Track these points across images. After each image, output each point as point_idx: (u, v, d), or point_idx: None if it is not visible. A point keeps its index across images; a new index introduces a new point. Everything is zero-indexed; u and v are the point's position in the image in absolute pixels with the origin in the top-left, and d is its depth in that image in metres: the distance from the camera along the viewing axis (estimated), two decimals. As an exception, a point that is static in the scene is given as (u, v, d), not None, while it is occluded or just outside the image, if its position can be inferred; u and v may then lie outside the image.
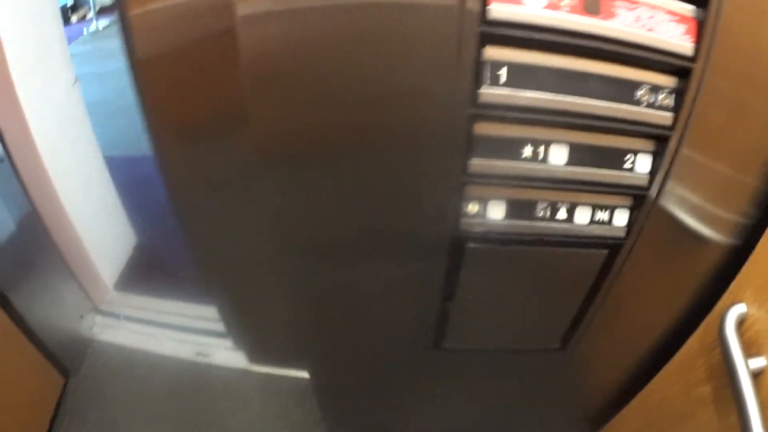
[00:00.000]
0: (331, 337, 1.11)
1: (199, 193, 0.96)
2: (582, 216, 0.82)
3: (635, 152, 0.78)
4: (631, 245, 0.85)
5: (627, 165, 0.78)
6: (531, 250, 0.86)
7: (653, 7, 0.69)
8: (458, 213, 0.82)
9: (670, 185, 0.79)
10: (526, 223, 0.83)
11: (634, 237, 0.84)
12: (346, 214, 0.86)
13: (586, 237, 0.83)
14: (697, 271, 0.93)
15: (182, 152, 0.88)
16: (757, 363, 0.78)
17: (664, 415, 1.06)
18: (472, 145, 0.77)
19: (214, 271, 1.22)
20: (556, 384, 1.17)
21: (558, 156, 0.77)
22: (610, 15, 0.69)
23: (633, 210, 0.83)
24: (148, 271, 2.14)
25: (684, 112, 0.72)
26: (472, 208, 0.82)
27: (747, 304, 0.82)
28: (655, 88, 0.72)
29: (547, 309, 0.96)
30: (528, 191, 0.80)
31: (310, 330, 1.10)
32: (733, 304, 0.83)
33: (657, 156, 0.77)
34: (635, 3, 0.69)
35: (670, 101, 0.73)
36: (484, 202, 0.82)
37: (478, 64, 0.71)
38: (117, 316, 1.80)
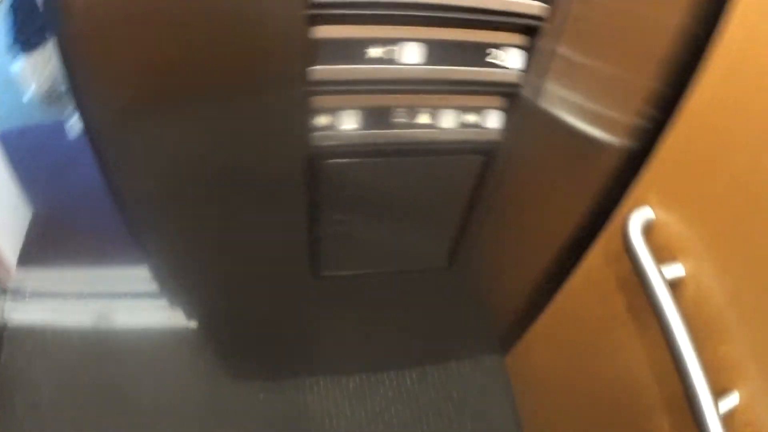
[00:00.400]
0: (216, 279, 1.04)
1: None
2: (448, 120, 0.75)
3: (502, 46, 0.70)
4: (510, 149, 0.79)
5: (493, 60, 0.71)
6: (396, 161, 0.79)
7: None
8: (306, 127, 0.74)
9: (550, 84, 0.72)
10: (383, 131, 0.75)
11: (511, 140, 0.78)
12: (206, 148, 0.77)
13: (455, 142, 0.77)
14: (594, 176, 0.88)
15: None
16: (673, 270, 0.74)
17: (578, 332, 1.03)
18: (311, 51, 0.68)
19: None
20: (455, 305, 1.14)
21: (411, 55, 0.69)
22: None
23: (508, 111, 0.76)
24: (48, 241, 2.02)
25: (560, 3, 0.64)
26: (322, 120, 0.74)
27: (653, 208, 0.78)
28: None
29: (426, 225, 0.91)
30: (381, 97, 0.73)
31: (197, 273, 1.02)
32: (636, 208, 0.79)
33: (530, 52, 0.69)
34: None
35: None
36: (333, 112, 0.74)
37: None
38: (24, 295, 1.68)
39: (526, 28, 0.67)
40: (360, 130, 0.74)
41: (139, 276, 1.66)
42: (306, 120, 0.72)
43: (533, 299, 1.13)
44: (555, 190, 0.89)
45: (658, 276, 0.71)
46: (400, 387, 1.36)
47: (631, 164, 0.84)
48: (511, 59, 0.70)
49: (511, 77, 0.71)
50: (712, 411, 0.63)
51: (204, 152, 0.77)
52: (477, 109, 0.75)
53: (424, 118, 0.74)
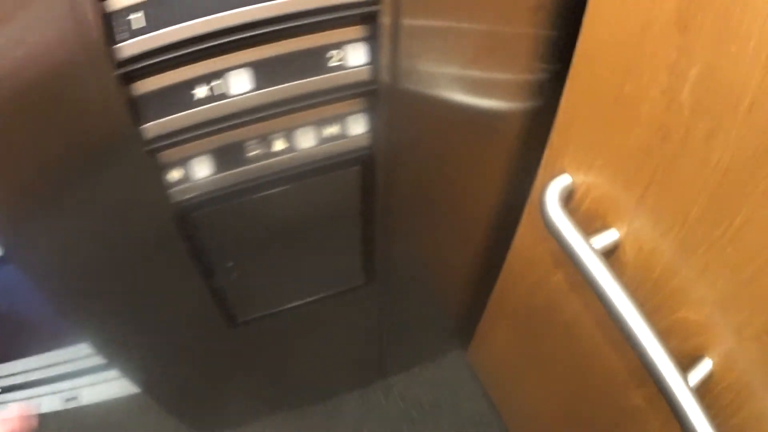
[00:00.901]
0: (142, 344, 0.99)
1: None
2: (306, 139, 0.71)
3: (342, 45, 0.66)
4: (388, 150, 0.75)
5: (333, 64, 0.66)
6: (266, 195, 0.75)
7: None
8: (162, 186, 0.70)
9: (410, 67, 0.68)
10: (240, 170, 0.71)
11: (385, 140, 0.74)
12: (86, 228, 0.74)
13: (322, 160, 0.73)
14: (498, 151, 0.85)
15: None
16: (606, 238, 0.68)
17: (528, 312, 0.99)
18: (138, 109, 0.64)
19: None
20: (396, 315, 1.10)
21: (240, 84, 0.65)
22: None
23: (370, 112, 0.72)
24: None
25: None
26: (175, 174, 0.70)
27: (570, 173, 0.73)
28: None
29: (327, 247, 0.87)
30: (225, 135, 0.68)
31: (124, 342, 0.98)
32: (552, 178, 0.73)
33: (374, 40, 0.65)
34: None
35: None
36: (184, 164, 0.69)
37: (105, 17, 0.57)
38: None
39: (362, 17, 0.63)
40: (216, 174, 0.69)
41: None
42: (158, 178, 0.68)
43: (477, 288, 1.09)
44: (460, 176, 0.86)
45: (588, 249, 0.65)
46: (367, 405, 1.32)
47: (536, 129, 0.80)
48: (354, 56, 0.66)
49: (360, 75, 0.67)
50: (681, 386, 0.56)
51: (87, 232, 0.74)
52: (335, 120, 0.70)
53: (279, 145, 0.69)
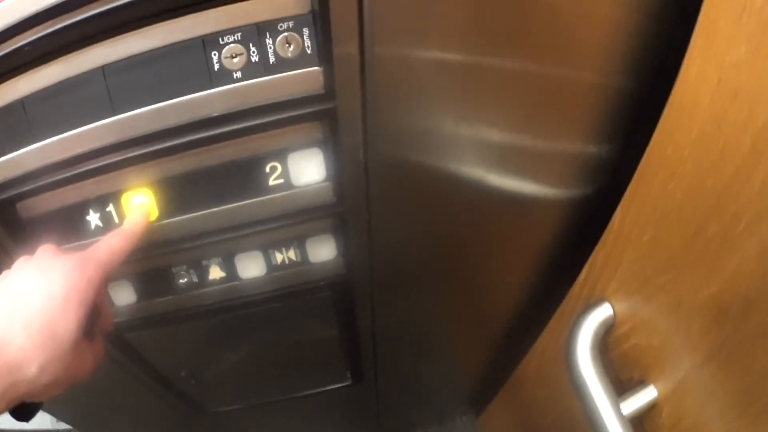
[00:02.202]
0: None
1: None
2: (252, 267, 0.52)
3: (283, 155, 0.45)
4: (368, 272, 0.55)
5: (276, 182, 0.46)
6: (209, 323, 0.58)
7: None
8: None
9: (390, 166, 0.48)
10: (171, 298, 0.53)
11: (363, 263, 0.54)
12: None
13: (277, 289, 0.54)
14: (525, 262, 0.65)
15: None
16: (642, 397, 0.51)
17: (542, 415, 0.81)
18: (25, 235, 0.48)
19: None
20: (401, 390, 0.91)
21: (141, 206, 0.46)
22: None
23: (336, 233, 0.52)
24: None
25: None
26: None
27: (612, 304, 0.54)
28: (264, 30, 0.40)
29: (301, 354, 0.69)
30: (142, 262, 0.51)
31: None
32: (588, 305, 0.54)
33: (329, 144, 0.46)
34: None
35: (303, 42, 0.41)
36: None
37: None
38: None
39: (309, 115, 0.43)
40: (140, 302, 0.52)
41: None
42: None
43: (491, 371, 0.88)
44: (468, 284, 0.64)
45: (615, 418, 0.49)
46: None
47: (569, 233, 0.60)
48: (304, 168, 0.44)
49: (316, 195, 0.45)
50: None
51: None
52: (290, 243, 0.50)
53: (215, 272, 0.50)
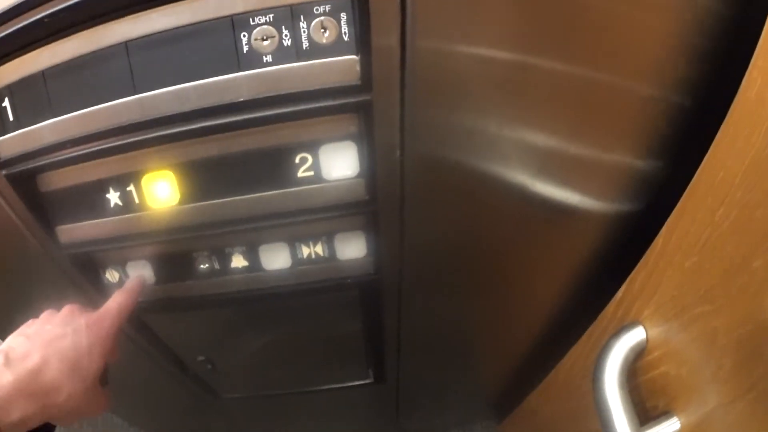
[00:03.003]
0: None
1: None
2: (275, 258, 0.49)
3: (312, 147, 0.43)
4: (398, 272, 0.52)
5: (303, 171, 0.43)
6: (230, 310, 0.56)
7: None
8: (100, 285, 0.53)
9: (425, 165, 0.44)
10: (190, 283, 0.52)
11: (392, 263, 0.51)
12: None
13: (302, 284, 0.51)
14: (561, 268, 0.61)
15: None
16: (664, 428, 0.48)
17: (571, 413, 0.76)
18: (44, 209, 0.47)
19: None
20: (423, 389, 0.89)
21: (161, 191, 0.45)
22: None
23: (367, 231, 0.49)
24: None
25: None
26: (109, 276, 0.53)
27: (646, 328, 0.51)
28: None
29: (321, 348, 0.67)
30: (162, 245, 0.49)
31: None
32: (622, 326, 0.51)
33: (365, 138, 0.42)
34: None
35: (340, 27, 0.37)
36: (118, 267, 0.52)
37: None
38: None
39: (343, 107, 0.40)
40: (159, 284, 0.51)
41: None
42: (94, 279, 0.52)
43: (516, 379, 0.84)
44: (502, 288, 0.60)
45: None
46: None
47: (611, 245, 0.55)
48: (336, 162, 0.41)
49: (347, 191, 0.43)
50: None
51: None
52: (318, 238, 0.47)
53: (237, 261, 0.48)
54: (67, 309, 0.47)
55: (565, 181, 0.47)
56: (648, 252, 0.49)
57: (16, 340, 0.44)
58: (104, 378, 0.48)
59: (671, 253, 0.46)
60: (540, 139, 0.44)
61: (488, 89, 0.39)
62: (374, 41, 0.35)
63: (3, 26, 0.38)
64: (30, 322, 0.47)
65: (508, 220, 0.50)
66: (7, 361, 0.41)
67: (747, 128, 0.36)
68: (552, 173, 0.47)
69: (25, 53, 0.40)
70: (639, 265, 0.50)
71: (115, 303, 0.48)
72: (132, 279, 0.52)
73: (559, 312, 0.65)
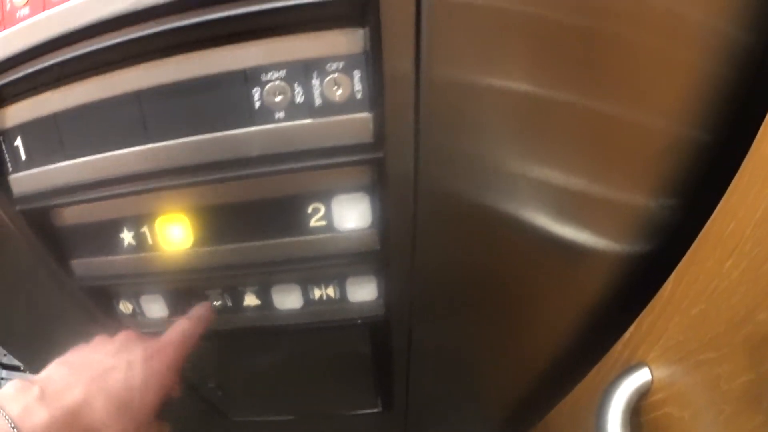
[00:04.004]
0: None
1: None
2: (289, 299, 0.49)
3: (325, 197, 0.42)
4: (407, 312, 0.52)
5: (316, 221, 0.43)
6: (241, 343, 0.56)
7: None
8: (113, 315, 0.54)
9: (438, 212, 0.43)
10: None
11: (401, 304, 0.50)
12: None
13: (313, 323, 0.51)
14: (572, 305, 0.59)
15: None
16: None
17: None
18: (58, 243, 0.47)
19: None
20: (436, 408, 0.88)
21: (175, 233, 0.45)
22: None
23: (379, 276, 0.49)
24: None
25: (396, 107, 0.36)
26: (124, 307, 0.53)
27: (652, 370, 0.51)
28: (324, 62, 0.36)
29: (329, 375, 0.67)
30: (177, 282, 0.49)
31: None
32: (628, 367, 0.51)
33: (374, 192, 0.42)
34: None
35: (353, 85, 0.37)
36: (131, 299, 0.52)
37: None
38: (18, 369, 1.61)
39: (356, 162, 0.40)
40: (171, 316, 0.51)
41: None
42: (108, 307, 0.53)
43: (528, 404, 0.84)
44: (512, 322, 0.59)
45: None
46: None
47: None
48: (348, 213, 0.41)
49: (360, 241, 0.42)
50: None
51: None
52: (329, 281, 0.47)
53: (250, 300, 0.48)
54: (122, 336, 0.43)
55: (580, 220, 0.46)
56: (657, 296, 0.49)
57: (57, 370, 0.38)
58: (162, 413, 0.43)
59: (679, 299, 0.46)
60: (556, 177, 0.42)
61: (505, 140, 0.38)
62: (388, 99, 0.34)
63: (14, 69, 0.38)
64: (78, 348, 0.42)
65: (518, 258, 0.49)
66: (43, 396, 0.35)
67: (759, 181, 0.35)
68: (567, 212, 0.46)
69: (37, 95, 0.40)
70: (647, 308, 0.50)
71: (179, 332, 0.44)
72: (199, 306, 0.48)
73: (567, 347, 0.64)
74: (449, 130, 0.36)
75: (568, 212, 0.45)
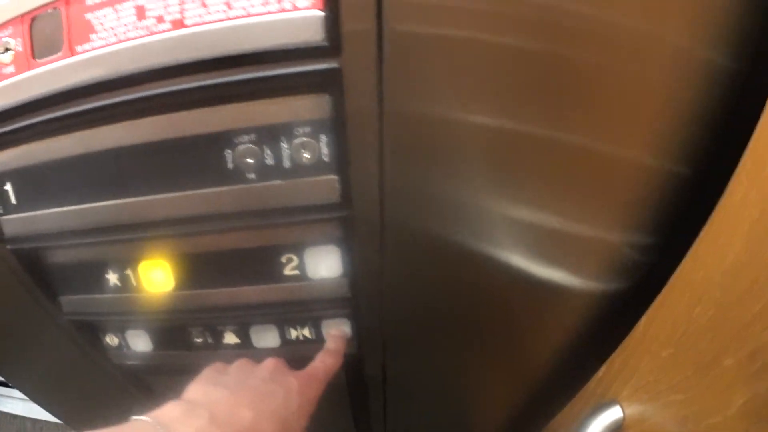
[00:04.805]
0: None
1: None
2: (265, 338, 0.51)
3: (298, 249, 0.45)
4: (380, 343, 0.53)
5: (292, 272, 0.45)
6: None
7: None
8: (99, 347, 0.56)
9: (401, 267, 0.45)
10: (186, 353, 0.54)
11: (375, 341, 0.52)
12: None
13: (292, 360, 0.53)
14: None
15: None
16: None
17: None
18: (48, 279, 0.49)
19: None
20: None
21: (157, 277, 0.47)
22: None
23: (353, 315, 0.50)
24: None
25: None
26: (110, 341, 0.55)
27: (623, 407, 0.52)
28: (289, 128, 0.38)
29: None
30: (161, 320, 0.51)
31: None
32: (600, 404, 0.52)
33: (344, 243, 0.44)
34: None
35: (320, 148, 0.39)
36: (117, 333, 0.55)
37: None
38: (6, 384, 1.62)
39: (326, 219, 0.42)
40: (156, 350, 0.53)
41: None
42: (94, 341, 0.55)
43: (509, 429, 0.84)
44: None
45: None
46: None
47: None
48: (320, 263, 0.43)
49: (332, 288, 0.44)
50: None
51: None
52: (307, 323, 0.49)
53: (230, 338, 0.50)
54: (272, 363, 0.44)
55: (553, 258, 0.47)
56: (629, 336, 0.50)
57: (216, 392, 0.39)
58: None
59: (649, 341, 0.47)
60: (526, 214, 0.43)
61: (472, 178, 0.39)
62: (353, 162, 0.36)
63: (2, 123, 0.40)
64: (217, 369, 0.43)
65: (489, 296, 0.50)
66: (213, 419, 0.35)
67: (728, 231, 0.36)
68: (539, 250, 0.47)
69: (23, 144, 0.42)
70: (620, 347, 0.51)
71: (323, 365, 0.45)
72: (336, 339, 0.49)
73: (541, 382, 0.65)
74: (415, 180, 0.37)
75: (540, 250, 0.46)
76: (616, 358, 0.52)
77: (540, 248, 0.45)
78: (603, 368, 0.53)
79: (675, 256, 0.41)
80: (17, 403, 1.52)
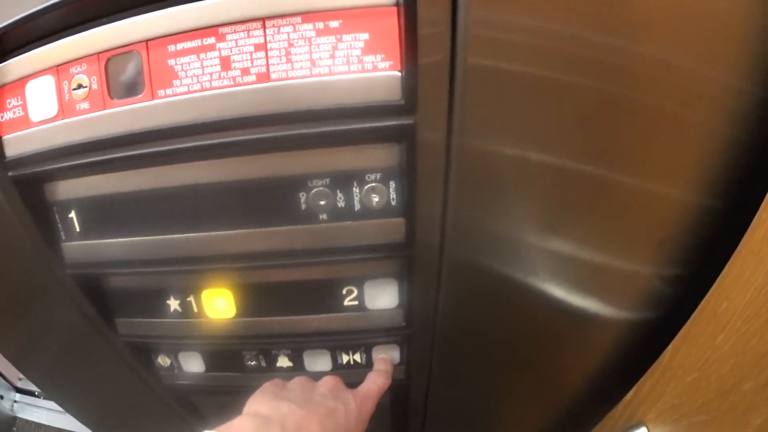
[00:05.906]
0: None
1: None
2: (320, 362, 0.54)
3: (358, 281, 0.48)
4: (427, 372, 0.56)
5: (349, 301, 0.47)
6: None
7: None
8: (152, 368, 0.59)
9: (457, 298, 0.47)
10: (238, 374, 0.56)
11: (423, 368, 0.54)
12: None
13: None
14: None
15: None
16: None
17: None
18: (106, 303, 0.52)
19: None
20: None
21: (219, 305, 0.49)
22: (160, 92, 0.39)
23: (403, 346, 0.53)
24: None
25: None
26: (162, 361, 0.58)
27: (650, 428, 0.54)
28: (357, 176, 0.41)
29: None
30: (215, 345, 0.54)
31: None
32: (627, 429, 0.56)
33: (406, 285, 0.47)
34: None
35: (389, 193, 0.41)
36: (172, 355, 0.57)
37: (40, 212, 0.45)
38: (33, 393, 1.64)
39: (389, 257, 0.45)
40: (208, 371, 0.55)
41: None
42: (146, 362, 0.58)
43: None
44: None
45: None
46: None
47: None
48: (378, 295, 0.45)
49: (387, 319, 0.46)
50: None
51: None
52: (359, 349, 0.51)
53: (283, 362, 0.53)
54: (331, 381, 0.46)
55: (591, 289, 0.49)
56: (656, 363, 0.52)
57: (284, 407, 0.40)
58: None
59: (675, 367, 0.49)
60: (572, 248, 0.46)
61: (527, 215, 0.41)
62: (419, 208, 0.39)
63: (69, 157, 0.42)
64: (278, 384, 0.45)
65: (531, 325, 0.52)
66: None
67: (752, 266, 0.38)
68: (580, 281, 0.49)
69: (94, 175, 0.44)
70: (647, 373, 0.53)
71: (376, 386, 0.47)
72: (385, 362, 0.51)
73: (573, 405, 0.67)
74: (476, 221, 0.40)
75: (582, 283, 0.48)
76: (644, 383, 0.55)
77: (581, 281, 0.47)
78: (631, 392, 0.56)
79: (701, 288, 0.43)
80: (42, 413, 1.54)
